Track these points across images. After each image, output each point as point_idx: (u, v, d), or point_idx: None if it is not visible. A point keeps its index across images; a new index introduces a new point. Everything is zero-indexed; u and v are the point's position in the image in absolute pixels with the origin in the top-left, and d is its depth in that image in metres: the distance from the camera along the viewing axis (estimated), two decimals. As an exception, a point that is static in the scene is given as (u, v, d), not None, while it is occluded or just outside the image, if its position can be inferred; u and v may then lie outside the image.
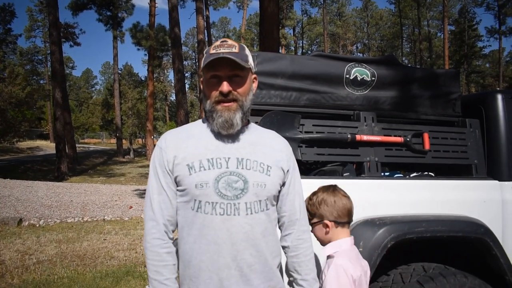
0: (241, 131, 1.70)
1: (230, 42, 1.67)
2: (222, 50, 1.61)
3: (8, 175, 21.15)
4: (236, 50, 1.63)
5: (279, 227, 1.81)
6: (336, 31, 60.21)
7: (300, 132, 2.64)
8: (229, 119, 1.61)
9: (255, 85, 1.76)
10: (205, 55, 1.67)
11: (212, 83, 1.64)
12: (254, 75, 1.76)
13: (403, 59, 60.04)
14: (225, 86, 1.61)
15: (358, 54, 67.64)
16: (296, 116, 2.62)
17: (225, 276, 1.59)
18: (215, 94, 1.63)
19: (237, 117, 1.63)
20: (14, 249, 7.06)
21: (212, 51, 1.63)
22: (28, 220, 9.88)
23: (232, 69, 1.61)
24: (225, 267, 1.59)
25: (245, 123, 1.73)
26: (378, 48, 63.65)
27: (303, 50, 62.43)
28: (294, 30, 59.89)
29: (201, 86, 1.74)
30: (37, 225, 9.60)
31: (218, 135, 1.67)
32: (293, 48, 61.02)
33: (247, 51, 1.70)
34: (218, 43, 1.67)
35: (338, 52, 60.24)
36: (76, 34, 43.04)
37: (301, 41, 63.12)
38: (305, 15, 61.70)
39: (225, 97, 1.62)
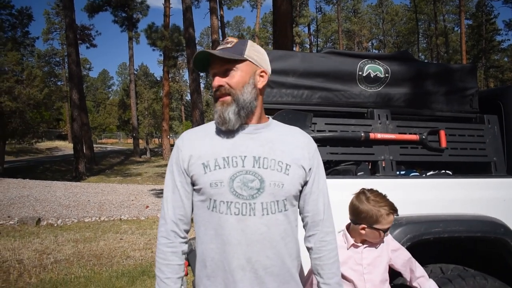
0: (260, 128, 1.66)
1: (230, 39, 1.66)
2: (218, 48, 1.62)
3: (28, 175, 21.54)
4: (230, 45, 1.61)
5: (303, 227, 1.75)
6: (351, 28, 59.75)
7: (312, 131, 2.59)
8: (221, 113, 1.58)
9: (259, 78, 1.66)
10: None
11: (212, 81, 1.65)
12: (262, 69, 1.67)
13: (420, 54, 59.32)
14: (216, 81, 1.60)
15: (374, 50, 67.03)
16: (308, 115, 2.57)
17: (239, 277, 1.55)
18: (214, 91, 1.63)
19: (230, 111, 1.57)
20: (32, 248, 7.16)
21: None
22: (46, 220, 10.02)
23: (222, 64, 1.60)
24: (240, 269, 1.55)
25: (264, 120, 1.69)
26: (394, 44, 62.93)
27: (318, 48, 62.03)
28: (308, 28, 59.50)
29: None
30: (55, 225, 9.73)
31: (236, 133, 1.63)
32: (307, 46, 60.71)
33: (248, 45, 1.64)
34: (221, 42, 1.67)
35: (354, 49, 59.83)
36: (92, 36, 43.69)
37: (315, 39, 62.77)
38: (320, 12, 61.29)
39: (218, 92, 1.60)
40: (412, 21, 56.29)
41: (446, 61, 48.56)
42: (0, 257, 6.54)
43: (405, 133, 2.77)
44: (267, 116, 1.74)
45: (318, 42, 63.30)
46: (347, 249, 2.14)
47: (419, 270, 2.17)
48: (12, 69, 23.48)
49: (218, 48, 1.61)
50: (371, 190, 2.15)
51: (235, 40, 1.65)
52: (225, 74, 1.60)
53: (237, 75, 1.60)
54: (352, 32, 60.05)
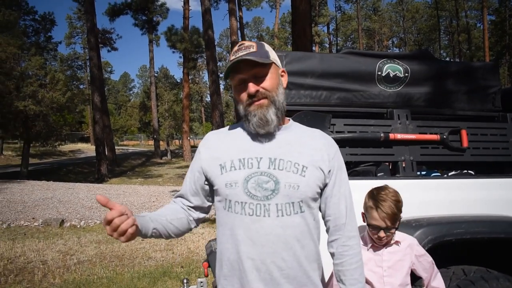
0: (279, 129, 1.67)
1: (247, 43, 1.66)
2: (240, 54, 1.61)
3: (51, 177, 21.96)
4: (253, 49, 1.62)
5: (326, 232, 1.73)
6: (371, 27, 59.22)
7: (331, 132, 2.58)
8: (263, 116, 1.59)
9: (284, 79, 1.72)
10: (227, 64, 1.68)
11: (240, 88, 1.65)
12: (282, 69, 1.72)
13: (441, 52, 58.41)
14: (251, 87, 1.60)
15: (394, 48, 66.27)
16: (327, 116, 2.57)
17: (253, 278, 1.55)
18: (245, 97, 1.63)
19: (271, 113, 1.60)
20: (56, 249, 7.30)
21: (232, 57, 1.64)
22: (69, 221, 10.21)
23: (252, 68, 1.60)
24: (254, 269, 1.55)
25: (285, 122, 1.71)
26: (415, 42, 62.07)
27: (338, 47, 61.68)
28: (328, 27, 59.26)
29: (234, 94, 1.75)
30: (78, 226, 9.91)
31: (255, 136, 1.65)
32: (327, 45, 60.44)
33: (267, 47, 1.69)
34: (236, 48, 1.67)
35: (374, 48, 59.30)
36: (113, 39, 44.31)
37: (335, 38, 62.41)
38: (339, 11, 60.95)
39: (255, 97, 1.61)
40: (433, 18, 55.49)
41: (469, 58, 47.65)
42: (25, 258, 6.69)
43: (426, 133, 2.73)
44: (287, 118, 1.76)
45: (338, 41, 62.93)
46: (367, 250, 2.14)
47: (437, 281, 2.14)
48: (36, 74, 23.93)
49: (242, 53, 1.61)
50: (382, 186, 2.17)
51: (253, 43, 1.66)
52: (256, 78, 1.61)
53: (271, 78, 1.63)
54: (372, 30, 59.51)
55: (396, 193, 2.11)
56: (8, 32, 23.37)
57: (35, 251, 7.10)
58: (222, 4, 43.81)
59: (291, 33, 13.11)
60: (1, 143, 34.22)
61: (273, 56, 1.67)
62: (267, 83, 1.62)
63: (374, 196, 2.10)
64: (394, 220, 2.05)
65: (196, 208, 1.79)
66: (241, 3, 38.64)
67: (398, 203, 2.07)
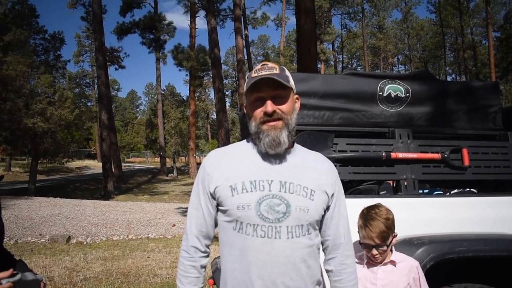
0: (286, 153, 1.71)
1: (270, 64, 1.71)
2: (263, 73, 1.64)
3: (58, 194, 22.09)
4: (277, 71, 1.66)
5: (323, 250, 1.79)
6: (376, 44, 59.49)
7: (334, 151, 2.63)
8: (276, 137, 1.62)
9: (297, 105, 1.77)
10: (247, 79, 1.72)
11: (257, 104, 1.67)
12: (296, 96, 1.77)
13: (447, 69, 58.51)
14: (269, 106, 1.63)
15: (400, 66, 66.50)
16: (329, 136, 2.62)
17: None
18: (259, 115, 1.65)
19: (284, 135, 1.63)
20: (62, 266, 7.32)
21: (254, 74, 1.67)
22: (76, 238, 10.24)
23: (274, 89, 1.64)
24: None
25: (290, 145, 1.73)
26: (420, 59, 62.27)
27: (343, 65, 61.99)
28: (333, 45, 59.62)
29: (245, 110, 1.77)
30: (85, 243, 9.93)
31: (263, 156, 1.69)
32: (332, 63, 60.72)
33: (287, 72, 1.73)
34: (259, 66, 1.71)
35: (379, 65, 59.50)
36: (120, 58, 44.96)
37: (340, 56, 62.77)
38: (345, 29, 61.43)
39: (270, 117, 1.64)
40: (439, 35, 55.68)
41: (475, 75, 47.66)
42: (32, 275, 6.71)
43: (427, 152, 2.78)
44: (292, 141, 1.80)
45: (343, 59, 63.24)
46: (363, 266, 2.18)
47: None
48: (45, 91, 24.24)
49: (263, 72, 1.65)
50: (374, 204, 2.21)
51: (276, 65, 1.70)
52: (275, 99, 1.65)
53: (289, 102, 1.68)
54: (378, 48, 59.76)
55: (386, 211, 2.15)
56: (19, 50, 23.82)
57: (42, 267, 7.12)
58: (228, 22, 44.30)
59: (296, 51, 13.28)
60: (10, 160, 34.51)
61: (292, 81, 1.71)
62: (285, 106, 1.66)
63: (364, 215, 2.16)
64: (384, 238, 2.09)
65: (207, 250, 1.79)
66: (247, 21, 38.99)
67: (387, 221, 2.11)
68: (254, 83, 1.64)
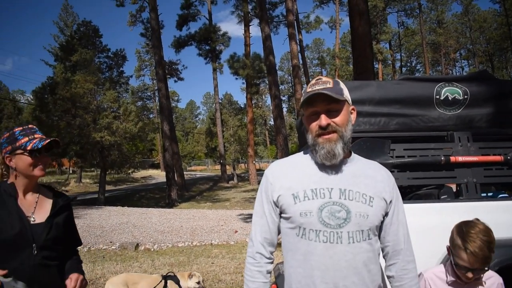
0: (344, 162, 1.77)
1: (324, 79, 1.78)
2: (317, 87, 1.72)
3: (126, 203, 23.15)
4: (330, 85, 1.73)
5: (383, 257, 1.83)
6: (436, 40, 57.31)
7: (391, 157, 2.65)
8: (331, 149, 1.69)
9: (353, 116, 1.82)
10: (303, 94, 1.81)
11: (312, 118, 1.75)
12: (352, 107, 1.82)
13: (514, 61, 55.25)
14: (323, 120, 1.70)
15: (462, 61, 63.64)
16: (386, 142, 2.64)
17: None
18: (315, 128, 1.73)
19: (338, 147, 1.70)
20: (133, 271, 7.67)
21: (308, 89, 1.75)
22: (144, 245, 10.71)
23: (328, 103, 1.71)
24: None
25: (347, 155, 1.80)
26: (484, 52, 59.23)
27: (402, 63, 60.28)
28: (390, 44, 58.09)
29: (303, 121, 1.84)
30: (152, 249, 10.36)
31: (322, 166, 1.76)
32: (390, 62, 59.19)
33: (342, 85, 1.79)
34: (313, 81, 1.78)
35: (440, 61, 57.29)
36: (179, 70, 46.20)
37: (398, 54, 61.04)
38: (402, 27, 59.68)
39: (325, 130, 1.71)
40: (504, 26, 52.75)
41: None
42: (105, 280, 7.10)
43: (489, 155, 2.72)
44: (349, 150, 1.85)
45: (401, 57, 61.46)
46: (447, 283, 2.10)
47: None
48: (110, 106, 25.62)
49: (317, 87, 1.72)
50: (473, 221, 2.07)
51: (330, 79, 1.77)
52: (329, 113, 1.72)
53: (343, 115, 1.74)
54: (438, 43, 57.55)
55: (487, 232, 2.01)
56: (85, 69, 25.25)
57: (113, 273, 7.50)
58: (281, 28, 44.41)
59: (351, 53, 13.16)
60: (80, 172, 36.62)
61: (346, 93, 1.78)
62: (339, 118, 1.72)
63: (463, 234, 2.01)
64: (485, 262, 1.97)
65: (271, 256, 1.86)
66: (300, 26, 39.00)
67: (490, 244, 1.97)
68: (309, 98, 1.72)
